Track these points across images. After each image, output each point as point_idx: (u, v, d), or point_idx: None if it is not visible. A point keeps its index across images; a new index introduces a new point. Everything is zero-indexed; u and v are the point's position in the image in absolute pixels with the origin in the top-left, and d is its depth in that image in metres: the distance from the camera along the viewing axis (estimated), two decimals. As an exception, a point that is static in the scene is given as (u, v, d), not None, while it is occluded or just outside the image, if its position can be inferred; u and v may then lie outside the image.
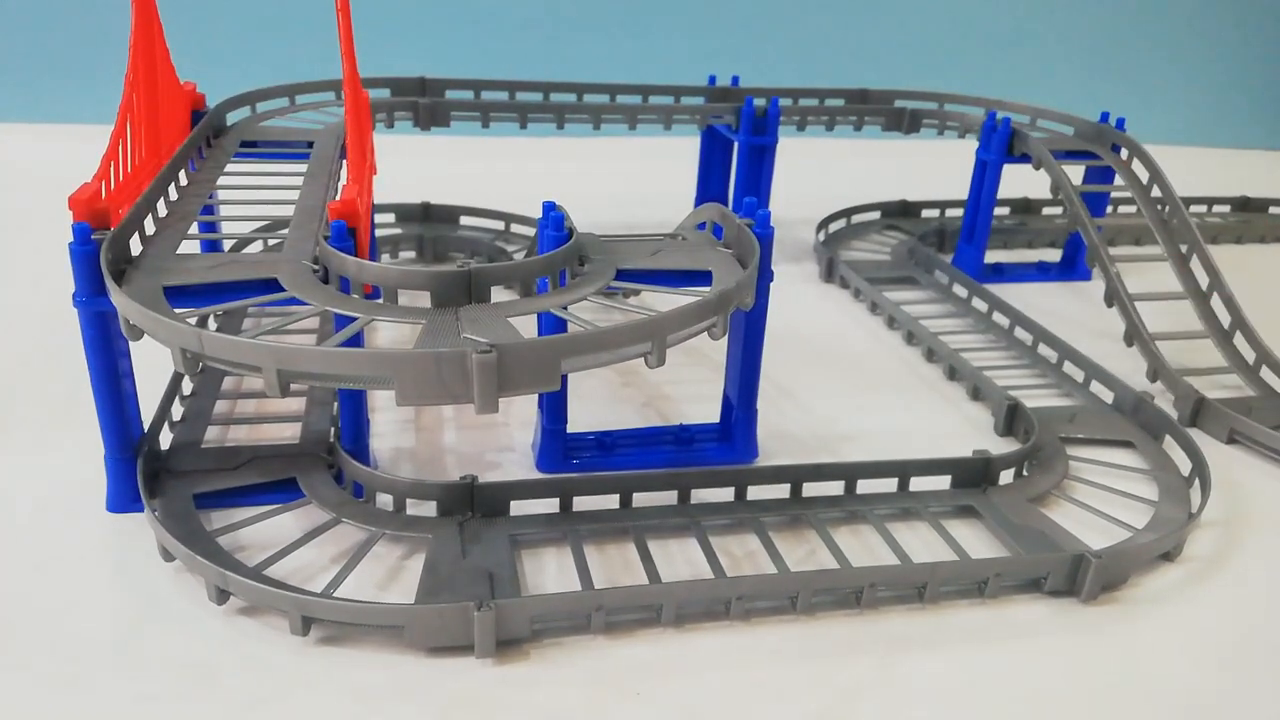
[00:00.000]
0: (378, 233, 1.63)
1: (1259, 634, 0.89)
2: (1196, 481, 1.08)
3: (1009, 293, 1.60)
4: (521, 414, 1.18)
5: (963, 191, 1.81)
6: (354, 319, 0.80)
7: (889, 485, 1.05)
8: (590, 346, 0.76)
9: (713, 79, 1.86)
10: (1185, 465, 1.12)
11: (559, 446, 1.07)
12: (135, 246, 0.92)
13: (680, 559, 0.94)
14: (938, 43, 2.85)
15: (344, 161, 1.18)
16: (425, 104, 1.67)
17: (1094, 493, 1.08)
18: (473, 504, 0.95)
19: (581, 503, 0.99)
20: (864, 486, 1.04)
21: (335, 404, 1.09)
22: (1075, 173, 1.66)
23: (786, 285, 1.40)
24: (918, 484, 1.05)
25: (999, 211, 1.91)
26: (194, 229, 1.01)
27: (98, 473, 0.96)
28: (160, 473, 0.98)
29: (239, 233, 1.28)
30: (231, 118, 1.44)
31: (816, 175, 2.17)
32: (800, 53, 2.76)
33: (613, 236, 1.02)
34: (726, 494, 1.02)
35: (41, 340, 1.30)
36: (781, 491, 1.03)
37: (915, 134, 1.92)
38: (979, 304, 1.57)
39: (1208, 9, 2.98)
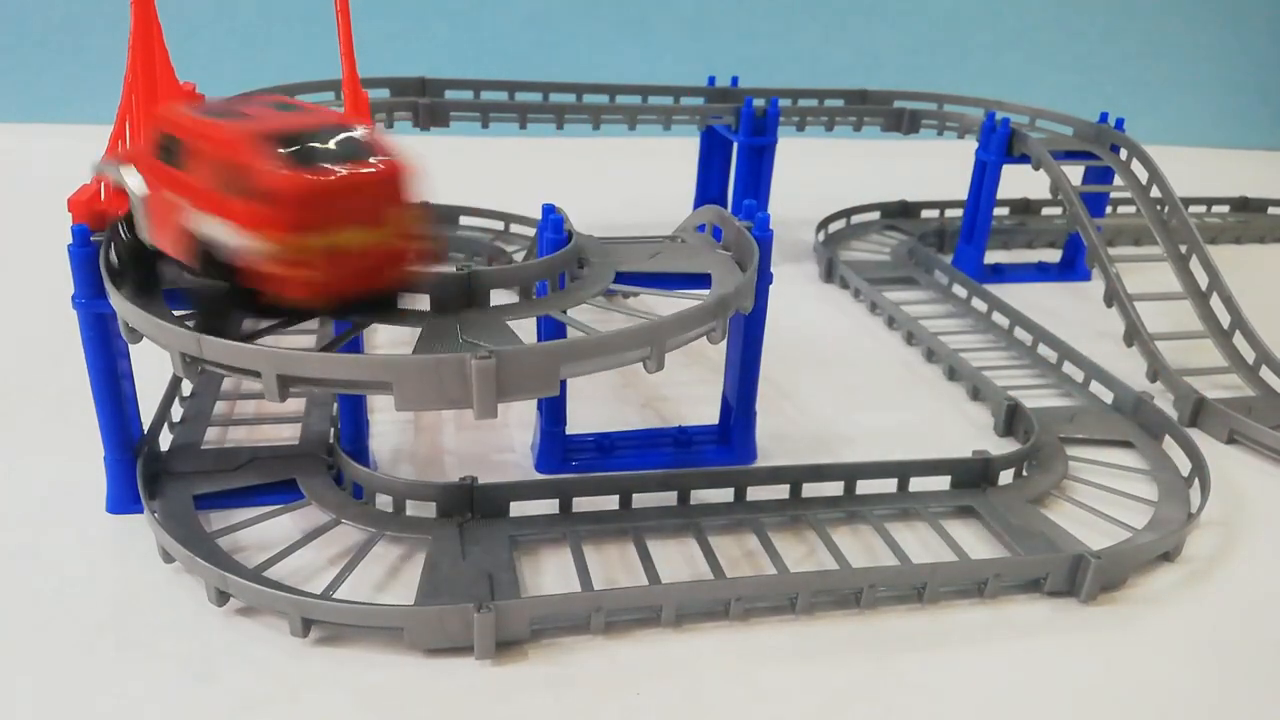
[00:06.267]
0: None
1: (1259, 634, 0.89)
2: (1196, 482, 1.08)
3: (1009, 293, 1.60)
4: (521, 415, 1.18)
5: (962, 192, 1.81)
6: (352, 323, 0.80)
7: (888, 486, 1.05)
8: (589, 352, 0.77)
9: (712, 79, 1.86)
10: (1185, 465, 1.12)
11: (558, 448, 1.07)
12: (135, 248, 0.92)
13: (680, 560, 0.94)
14: (938, 43, 2.85)
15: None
16: (425, 104, 1.67)
17: (1093, 493, 1.08)
18: (472, 505, 0.95)
19: (581, 504, 0.99)
20: (863, 487, 1.04)
21: (335, 405, 1.09)
22: (1075, 173, 1.66)
23: (786, 286, 1.40)
24: (917, 484, 1.05)
25: (998, 212, 1.90)
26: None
27: (98, 473, 0.96)
28: (160, 474, 0.98)
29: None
30: (231, 118, 1.44)
31: (816, 175, 2.16)
32: (800, 53, 2.76)
33: (612, 239, 1.02)
34: (726, 495, 1.02)
35: (41, 340, 1.30)
36: (781, 492, 1.03)
37: (915, 134, 1.92)
38: (979, 304, 1.57)
39: (1208, 9, 2.98)
